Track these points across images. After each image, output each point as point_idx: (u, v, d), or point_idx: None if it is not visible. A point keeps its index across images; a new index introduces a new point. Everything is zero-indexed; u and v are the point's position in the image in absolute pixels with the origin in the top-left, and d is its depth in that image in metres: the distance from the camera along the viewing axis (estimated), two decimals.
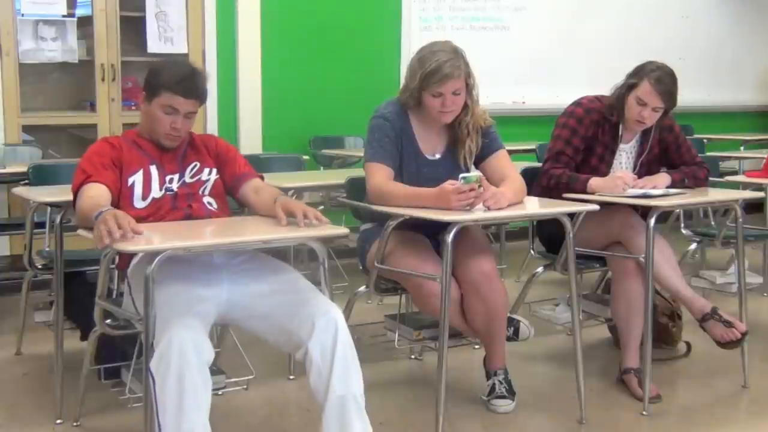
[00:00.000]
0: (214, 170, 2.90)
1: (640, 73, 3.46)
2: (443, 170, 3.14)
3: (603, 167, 3.54)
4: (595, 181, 3.41)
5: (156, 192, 2.78)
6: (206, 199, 2.85)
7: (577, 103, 3.58)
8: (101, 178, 2.70)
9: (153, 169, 2.80)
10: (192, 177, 2.85)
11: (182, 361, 2.28)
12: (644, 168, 3.61)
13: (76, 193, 2.72)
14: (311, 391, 2.52)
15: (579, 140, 3.50)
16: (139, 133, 2.88)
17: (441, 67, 3.04)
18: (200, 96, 2.78)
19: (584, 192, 3.38)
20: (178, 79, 2.73)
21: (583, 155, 3.53)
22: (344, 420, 2.47)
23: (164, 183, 2.80)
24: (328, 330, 2.48)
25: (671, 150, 3.65)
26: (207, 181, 2.87)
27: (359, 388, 2.51)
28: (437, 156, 3.25)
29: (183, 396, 2.30)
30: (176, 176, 2.82)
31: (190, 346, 2.31)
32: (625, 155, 3.61)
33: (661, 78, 3.42)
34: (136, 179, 2.77)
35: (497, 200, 2.95)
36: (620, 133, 3.55)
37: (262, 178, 2.99)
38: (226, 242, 2.56)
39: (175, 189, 2.80)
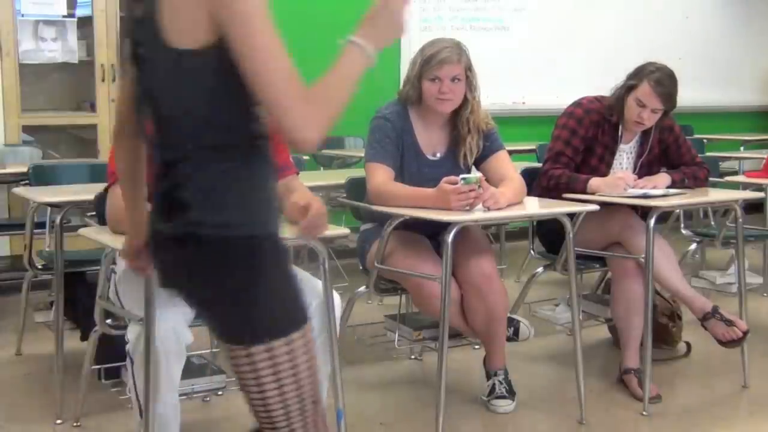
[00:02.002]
0: None
1: (639, 74, 3.46)
2: (444, 170, 3.15)
3: (603, 168, 3.54)
4: (595, 182, 3.41)
5: None
6: None
7: (577, 104, 3.58)
8: None
9: None
10: None
11: (162, 348, 2.40)
12: (644, 168, 3.61)
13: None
14: None
15: (579, 141, 3.50)
16: None
17: (439, 52, 3.09)
18: None
19: (584, 192, 3.38)
20: None
21: (582, 156, 3.53)
22: None
23: None
24: (319, 312, 2.58)
25: (671, 150, 3.65)
26: None
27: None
28: (438, 156, 3.25)
29: (157, 379, 2.40)
30: None
31: (170, 334, 2.42)
32: (625, 155, 3.61)
33: (660, 80, 3.42)
34: None
35: (496, 200, 2.96)
36: (620, 133, 3.54)
37: (297, 173, 2.85)
38: None
39: None
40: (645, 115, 3.44)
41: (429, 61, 3.10)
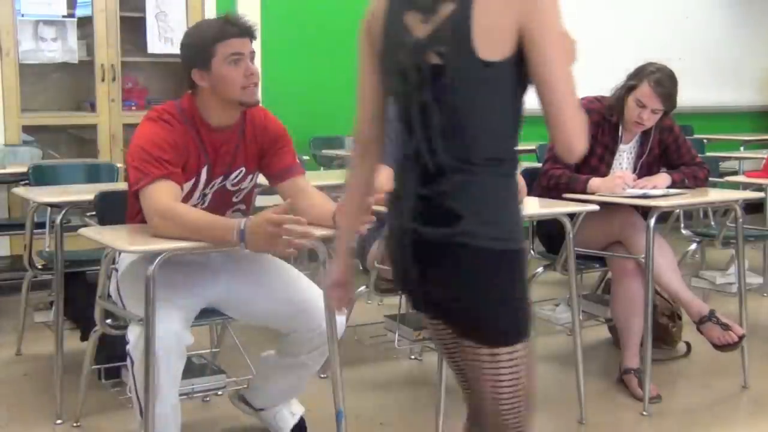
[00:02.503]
0: (255, 173, 2.76)
1: (639, 74, 3.46)
2: None
3: (603, 168, 3.54)
4: (595, 182, 3.41)
5: (194, 200, 2.66)
6: (233, 209, 2.75)
7: None
8: (177, 177, 2.50)
9: (203, 174, 2.62)
10: (233, 185, 2.71)
11: (163, 350, 2.40)
12: (644, 168, 3.61)
13: (149, 178, 2.45)
14: (279, 347, 2.79)
15: None
16: (201, 115, 2.59)
17: None
18: (252, 31, 2.58)
19: (584, 192, 3.38)
20: (221, 24, 2.54)
21: (582, 156, 3.53)
22: (293, 373, 2.77)
23: (205, 188, 2.66)
24: (321, 338, 2.68)
25: (671, 150, 3.65)
26: (245, 189, 2.75)
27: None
28: None
29: (159, 377, 2.41)
30: (219, 179, 2.67)
31: (169, 338, 2.42)
32: (625, 156, 3.61)
33: (660, 80, 3.42)
34: (184, 187, 2.60)
35: None
36: (620, 133, 3.55)
37: (304, 173, 2.80)
38: (226, 243, 2.54)
39: (208, 198, 2.67)
40: (645, 116, 3.44)
41: None
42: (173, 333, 2.44)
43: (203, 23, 2.66)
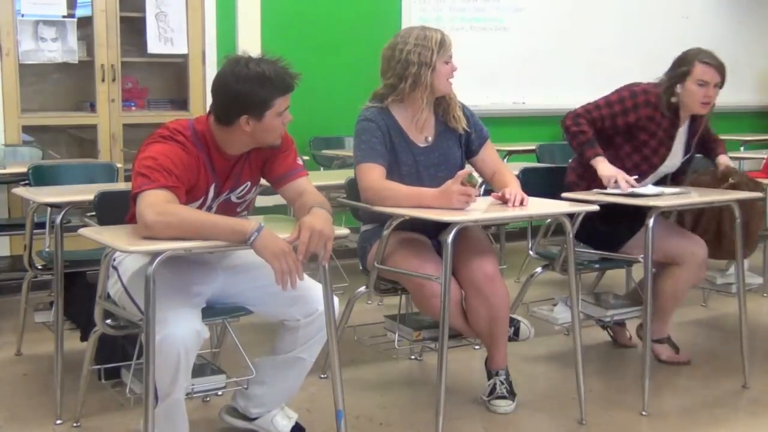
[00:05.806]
0: (259, 183, 2.80)
1: (684, 61, 3.54)
2: (438, 153, 3.22)
3: (662, 150, 3.60)
4: (600, 161, 3.48)
5: None
6: (236, 216, 2.75)
7: (634, 94, 3.58)
8: (180, 194, 2.51)
9: (210, 192, 2.65)
10: (239, 197, 2.73)
11: (184, 348, 2.45)
12: (693, 150, 3.73)
13: (150, 185, 2.45)
14: (274, 346, 2.84)
15: (611, 121, 3.55)
16: (216, 143, 2.61)
17: (443, 35, 3.17)
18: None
19: (588, 161, 3.49)
20: (284, 77, 2.57)
21: (639, 139, 3.57)
22: (290, 371, 2.81)
23: (212, 202, 2.68)
24: (317, 323, 2.73)
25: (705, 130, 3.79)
26: (248, 200, 2.79)
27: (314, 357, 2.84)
28: (429, 140, 3.25)
29: (177, 374, 2.48)
30: (225, 193, 2.69)
31: (192, 336, 2.47)
32: (680, 137, 3.68)
33: (709, 55, 3.53)
34: (192, 206, 2.60)
35: (521, 198, 3.07)
36: (680, 117, 3.61)
37: (307, 174, 2.81)
38: (225, 243, 2.55)
39: (213, 211, 2.69)
40: (710, 93, 3.52)
41: (443, 44, 3.14)
42: (196, 332, 2.48)
43: (261, 71, 2.55)
